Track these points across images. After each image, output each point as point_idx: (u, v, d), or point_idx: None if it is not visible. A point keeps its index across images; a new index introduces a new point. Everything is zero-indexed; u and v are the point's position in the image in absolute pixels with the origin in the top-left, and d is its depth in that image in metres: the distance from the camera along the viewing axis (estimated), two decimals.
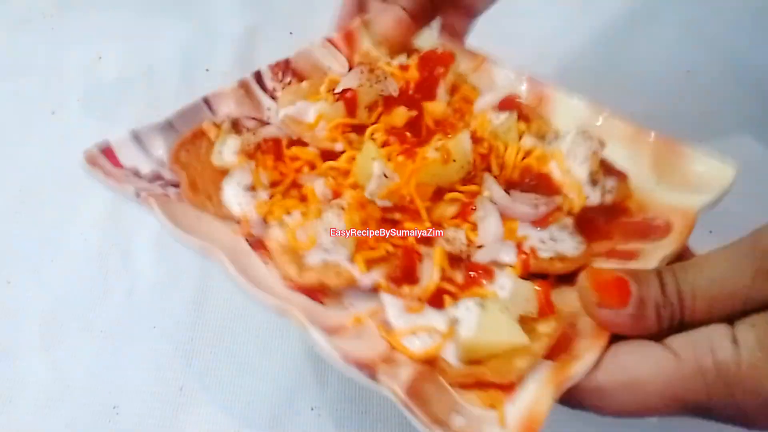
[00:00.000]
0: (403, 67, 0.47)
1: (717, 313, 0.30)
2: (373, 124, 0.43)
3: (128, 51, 0.72)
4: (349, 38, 0.52)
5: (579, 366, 0.31)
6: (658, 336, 0.31)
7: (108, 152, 0.41)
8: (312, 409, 0.46)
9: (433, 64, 0.46)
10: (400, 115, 0.43)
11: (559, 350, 0.33)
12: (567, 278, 0.37)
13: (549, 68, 0.71)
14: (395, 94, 0.44)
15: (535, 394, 0.31)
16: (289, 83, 0.48)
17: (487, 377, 0.32)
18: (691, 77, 0.72)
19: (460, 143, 0.39)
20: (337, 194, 0.39)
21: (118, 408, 0.46)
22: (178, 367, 0.48)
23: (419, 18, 0.51)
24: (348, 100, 0.43)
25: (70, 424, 0.45)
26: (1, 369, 0.48)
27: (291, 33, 0.75)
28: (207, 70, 0.70)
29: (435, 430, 0.29)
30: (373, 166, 0.38)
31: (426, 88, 0.45)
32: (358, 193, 0.38)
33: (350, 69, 0.48)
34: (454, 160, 0.38)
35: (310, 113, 0.44)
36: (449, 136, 0.41)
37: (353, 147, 0.41)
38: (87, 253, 0.54)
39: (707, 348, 0.29)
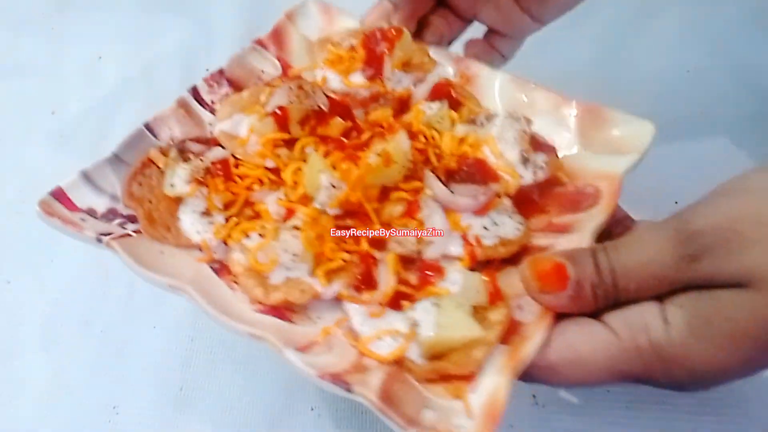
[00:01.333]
0: (353, 49, 0.49)
1: (647, 291, 0.33)
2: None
3: (128, 51, 0.72)
4: (278, 37, 0.51)
5: (530, 347, 0.33)
6: (597, 312, 0.34)
7: (61, 196, 0.40)
8: (312, 409, 0.46)
9: (376, 42, 0.48)
10: (336, 126, 0.44)
11: (510, 333, 0.35)
12: (511, 259, 0.40)
13: (548, 68, 0.71)
14: (325, 108, 0.44)
15: (494, 381, 0.33)
16: (227, 94, 0.48)
17: (449, 371, 0.34)
18: (691, 77, 0.72)
19: (399, 145, 0.40)
20: (290, 211, 0.40)
21: (118, 408, 0.46)
22: (178, 367, 0.48)
23: (407, 14, 0.52)
24: (279, 115, 0.43)
25: (70, 424, 0.45)
26: (1, 369, 0.48)
27: None
28: (207, 70, 0.69)
29: (410, 430, 0.31)
30: (321, 178, 0.39)
31: (374, 66, 0.48)
32: (311, 210, 0.39)
33: (283, 69, 0.50)
34: (395, 162, 0.40)
35: (244, 127, 0.44)
36: (386, 137, 0.42)
37: (285, 162, 0.42)
38: (87, 253, 0.54)
39: (642, 327, 0.32)
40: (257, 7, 0.77)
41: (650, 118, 0.69)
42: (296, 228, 0.38)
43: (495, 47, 0.55)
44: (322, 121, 0.44)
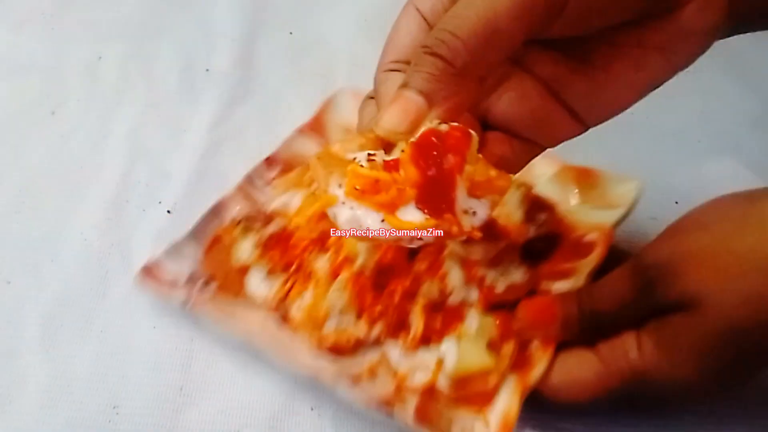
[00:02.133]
0: (391, 165, 0.32)
1: (622, 323, 0.40)
2: None
3: (128, 51, 0.72)
4: (317, 126, 0.59)
5: (535, 373, 0.43)
6: (587, 341, 0.41)
7: (151, 269, 0.49)
8: (312, 409, 0.47)
9: (438, 154, 0.31)
10: None
11: (519, 363, 0.45)
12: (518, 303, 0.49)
13: None
14: None
15: (507, 400, 0.43)
16: (280, 174, 0.56)
17: (471, 394, 0.44)
18: (691, 77, 0.72)
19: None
20: (337, 271, 0.48)
21: (118, 408, 0.46)
22: (178, 367, 0.48)
23: (454, 107, 0.33)
24: None
25: (70, 424, 0.45)
26: (1, 369, 0.48)
27: (291, 33, 0.75)
28: (207, 70, 0.70)
29: None
30: (359, 245, 0.48)
31: (436, 193, 0.32)
32: (352, 271, 0.48)
33: None
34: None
35: (295, 202, 0.53)
36: None
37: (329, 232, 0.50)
38: (87, 253, 0.54)
39: (622, 353, 0.39)
40: (257, 7, 0.78)
41: (649, 121, 0.69)
42: (342, 286, 0.47)
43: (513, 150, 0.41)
44: None
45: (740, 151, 0.65)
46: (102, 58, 0.71)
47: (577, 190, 0.55)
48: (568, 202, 0.55)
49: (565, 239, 0.52)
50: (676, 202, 0.60)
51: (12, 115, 0.65)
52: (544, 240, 0.52)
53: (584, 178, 0.55)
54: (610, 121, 0.47)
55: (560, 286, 0.48)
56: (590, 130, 0.44)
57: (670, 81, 0.70)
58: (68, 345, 0.49)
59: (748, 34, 0.74)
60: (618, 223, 0.52)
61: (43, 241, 0.55)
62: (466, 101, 0.34)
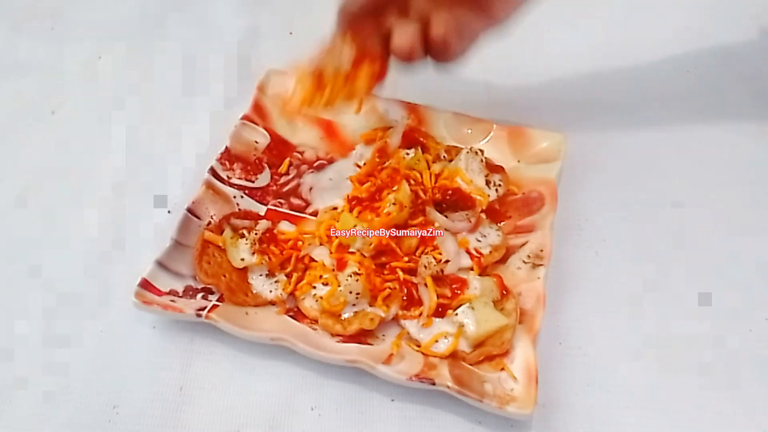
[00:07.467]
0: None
1: None
2: None
3: (128, 51, 0.72)
4: (258, 110, 0.62)
5: (538, 322, 0.48)
6: None
7: (147, 285, 0.48)
8: (312, 409, 0.47)
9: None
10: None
11: (522, 315, 0.49)
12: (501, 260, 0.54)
13: (548, 68, 0.72)
14: None
15: (524, 352, 0.47)
16: (241, 169, 0.58)
17: (492, 352, 0.47)
18: (691, 77, 0.72)
19: (406, 193, 0.53)
20: (340, 261, 0.51)
21: (118, 408, 0.46)
22: (178, 367, 0.48)
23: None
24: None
25: (70, 424, 0.45)
26: (1, 369, 0.48)
27: (291, 33, 0.75)
28: (207, 70, 0.70)
29: (485, 401, 0.44)
30: (354, 230, 0.51)
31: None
32: (358, 257, 0.51)
33: (270, 138, 0.61)
34: (406, 207, 0.53)
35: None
36: (394, 189, 0.54)
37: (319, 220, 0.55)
38: (87, 253, 0.54)
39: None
40: (257, 7, 0.78)
41: (649, 118, 0.69)
42: (354, 273, 0.49)
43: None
44: None
45: (740, 150, 0.65)
46: (102, 58, 0.71)
47: (512, 148, 0.60)
48: (509, 161, 0.60)
49: (516, 196, 0.57)
50: (675, 203, 0.60)
51: (12, 115, 0.65)
52: (501, 200, 0.57)
53: (516, 136, 0.60)
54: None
55: (530, 239, 0.53)
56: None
57: (671, 82, 0.71)
58: (68, 345, 0.49)
59: (749, 35, 0.75)
60: (559, 175, 0.57)
61: (43, 240, 0.55)
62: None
